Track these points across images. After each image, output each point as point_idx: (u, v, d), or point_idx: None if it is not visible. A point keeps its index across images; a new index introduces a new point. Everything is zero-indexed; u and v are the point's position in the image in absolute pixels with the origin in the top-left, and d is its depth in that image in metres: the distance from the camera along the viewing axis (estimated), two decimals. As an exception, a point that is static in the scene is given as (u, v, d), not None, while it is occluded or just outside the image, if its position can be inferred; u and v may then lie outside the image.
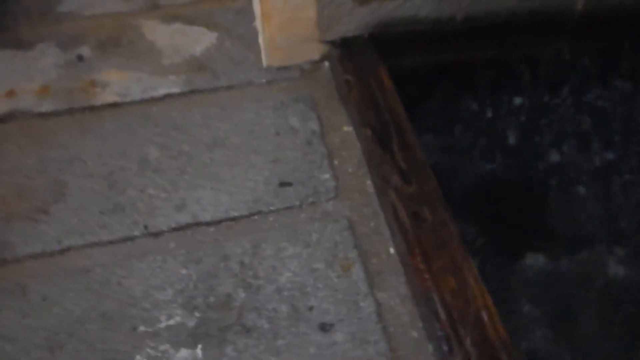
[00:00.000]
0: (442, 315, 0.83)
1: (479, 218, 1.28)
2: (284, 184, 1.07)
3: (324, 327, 0.88)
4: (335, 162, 1.11)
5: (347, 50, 1.25)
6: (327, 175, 1.08)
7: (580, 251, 1.26)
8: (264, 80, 1.27)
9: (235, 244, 0.98)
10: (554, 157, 1.45)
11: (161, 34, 1.39)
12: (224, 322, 0.88)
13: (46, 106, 1.22)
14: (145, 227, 1.01)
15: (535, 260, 1.21)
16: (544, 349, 1.06)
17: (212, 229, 1.01)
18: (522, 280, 1.17)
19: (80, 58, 1.34)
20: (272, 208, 1.03)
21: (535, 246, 1.24)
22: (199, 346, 0.85)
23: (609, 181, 1.39)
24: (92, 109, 1.22)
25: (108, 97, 1.24)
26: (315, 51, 1.27)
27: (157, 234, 1.00)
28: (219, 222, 1.01)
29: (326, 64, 1.29)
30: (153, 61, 1.32)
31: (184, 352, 0.85)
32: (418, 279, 0.87)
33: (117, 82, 1.27)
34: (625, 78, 1.44)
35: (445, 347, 0.80)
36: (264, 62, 1.28)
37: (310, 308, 0.90)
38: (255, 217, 1.02)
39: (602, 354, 1.08)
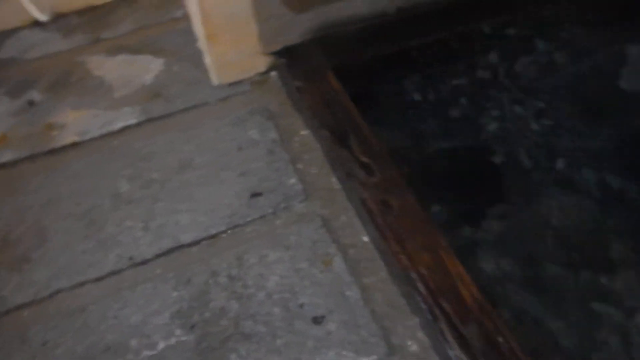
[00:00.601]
0: (422, 289, 0.91)
1: (439, 192, 1.38)
2: (255, 195, 1.12)
3: (317, 321, 0.94)
4: (299, 166, 1.17)
5: (293, 58, 1.30)
6: (293, 180, 1.14)
7: (533, 205, 1.37)
8: (217, 98, 1.32)
9: (220, 260, 1.03)
10: (496, 126, 1.56)
11: (108, 67, 1.41)
12: (223, 333, 0.93)
13: (7, 156, 1.23)
14: (130, 258, 1.04)
15: (495, 221, 1.31)
16: (516, 299, 1.16)
17: (195, 249, 1.05)
18: (487, 240, 1.27)
19: (31, 103, 1.35)
20: (248, 219, 1.09)
21: (494, 208, 1.35)
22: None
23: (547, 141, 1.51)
24: (54, 152, 1.24)
25: (67, 138, 1.26)
26: (261, 63, 1.32)
27: (143, 263, 1.04)
28: (201, 241, 1.06)
29: (273, 73, 1.35)
30: (105, 96, 1.35)
31: (190, 368, 0.90)
32: (395, 260, 0.95)
33: (74, 122, 1.29)
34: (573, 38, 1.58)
35: (429, 317, 0.88)
36: (214, 81, 1.33)
37: (301, 305, 0.96)
38: (234, 230, 1.07)
39: (568, 294, 1.19)
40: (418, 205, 1.02)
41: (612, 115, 1.61)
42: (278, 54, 1.31)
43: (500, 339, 0.85)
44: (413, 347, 0.90)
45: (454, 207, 1.39)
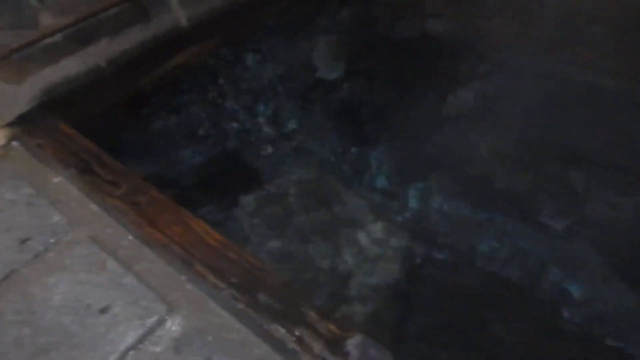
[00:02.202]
0: (178, 250, 1.13)
1: (205, 187, 1.65)
2: (24, 241, 1.25)
3: (104, 311, 1.11)
4: (59, 205, 1.33)
5: (28, 123, 1.46)
6: (57, 218, 1.29)
7: (277, 180, 1.71)
8: (-35, 180, 1.41)
9: (5, 303, 1.14)
10: (235, 131, 1.89)
11: None
12: (22, 357, 1.05)
13: None
14: None
15: (247, 199, 1.61)
16: (271, 245, 1.46)
17: (-23, 304, 1.15)
18: (242, 215, 1.56)
19: None
20: (23, 262, 1.21)
21: (245, 190, 1.65)
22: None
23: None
24: None
25: None
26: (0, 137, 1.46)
27: None
28: (-19, 296, 1.16)
29: (15, 143, 1.48)
30: None
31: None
32: (155, 238, 1.16)
33: None
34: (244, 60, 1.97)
35: (188, 267, 1.11)
36: (-42, 165, 1.42)
37: (88, 306, 1.12)
38: (12, 275, 1.19)
39: (312, 232, 1.52)
40: (162, 196, 1.25)
41: (318, 98, 2.05)
42: (13, 124, 1.46)
43: (247, 265, 1.12)
44: (185, 297, 1.12)
45: (218, 199, 1.66)
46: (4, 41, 1.33)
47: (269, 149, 1.84)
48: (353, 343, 0.95)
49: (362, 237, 1.56)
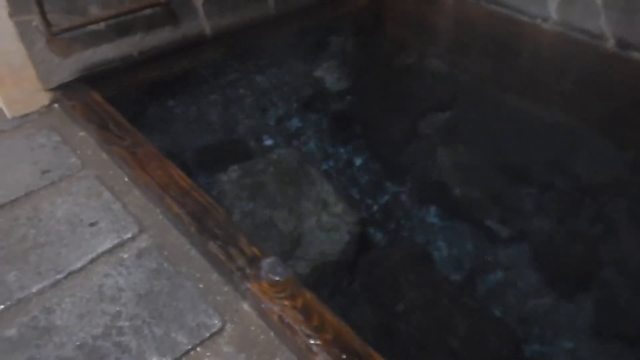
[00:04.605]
0: (156, 189, 1.44)
1: (202, 160, 1.99)
2: (45, 172, 1.59)
3: (92, 224, 1.42)
4: (78, 152, 1.67)
5: (68, 90, 1.84)
6: (73, 159, 1.63)
7: (264, 157, 2.00)
8: (12, 127, 1.78)
9: (20, 210, 1.47)
10: (242, 122, 2.22)
11: None
12: (24, 246, 1.36)
13: None
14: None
15: (230, 172, 1.91)
16: (243, 205, 1.75)
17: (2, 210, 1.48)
18: (229, 183, 1.86)
19: None
20: (41, 186, 1.54)
21: (235, 164, 1.95)
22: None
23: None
24: None
25: None
26: (44, 98, 1.83)
27: (-40, 227, 1.43)
28: (3, 205, 1.49)
29: (56, 105, 1.86)
30: None
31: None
32: (142, 179, 1.48)
33: None
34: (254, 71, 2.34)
35: (161, 201, 1.41)
36: (8, 115, 1.80)
37: (81, 220, 1.43)
38: (29, 194, 1.52)
39: (276, 198, 1.80)
40: (154, 149, 1.57)
41: (317, 105, 2.36)
42: (56, 89, 1.84)
43: (205, 202, 1.40)
44: (155, 223, 1.42)
45: (211, 168, 1.98)
46: (57, 21, 1.71)
47: (265, 137, 2.16)
48: (267, 261, 1.22)
49: (324, 213, 1.81)
